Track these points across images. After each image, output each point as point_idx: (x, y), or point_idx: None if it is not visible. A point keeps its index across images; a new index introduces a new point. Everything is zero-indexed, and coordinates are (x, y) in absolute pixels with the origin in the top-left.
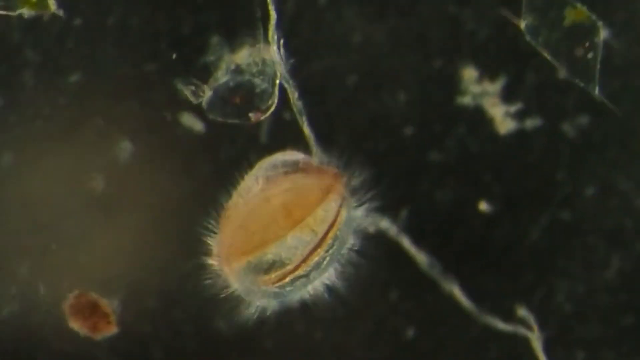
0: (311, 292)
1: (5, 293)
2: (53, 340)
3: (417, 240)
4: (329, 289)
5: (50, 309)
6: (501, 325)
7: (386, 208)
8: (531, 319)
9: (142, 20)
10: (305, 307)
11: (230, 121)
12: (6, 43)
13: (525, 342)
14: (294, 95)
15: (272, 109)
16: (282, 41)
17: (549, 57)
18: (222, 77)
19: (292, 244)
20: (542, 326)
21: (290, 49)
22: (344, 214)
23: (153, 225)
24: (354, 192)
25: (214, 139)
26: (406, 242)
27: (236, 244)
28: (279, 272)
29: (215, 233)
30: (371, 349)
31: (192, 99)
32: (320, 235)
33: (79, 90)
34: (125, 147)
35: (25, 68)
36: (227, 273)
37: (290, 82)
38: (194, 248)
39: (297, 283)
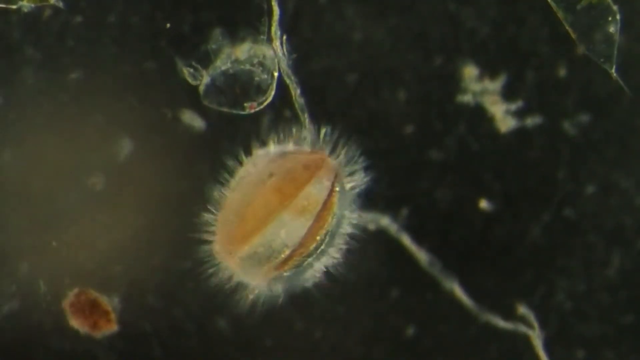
0: (314, 276)
1: (5, 291)
2: (53, 338)
3: (417, 239)
4: (331, 276)
5: (50, 307)
6: (501, 323)
7: (386, 206)
8: (531, 317)
9: (143, 18)
10: (305, 305)
11: (230, 115)
12: (6, 40)
13: (526, 340)
14: (296, 91)
15: (269, 100)
16: (284, 37)
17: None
18: (221, 65)
19: (288, 226)
20: (543, 324)
21: (290, 47)
22: (337, 194)
23: (153, 223)
24: (346, 172)
25: (214, 136)
26: (406, 240)
27: (233, 233)
28: (280, 258)
29: (212, 225)
30: (371, 347)
31: (190, 80)
32: (314, 215)
33: (79, 87)
34: (126, 145)
35: (25, 65)
36: (228, 263)
37: (293, 78)
38: (195, 246)
39: (300, 267)
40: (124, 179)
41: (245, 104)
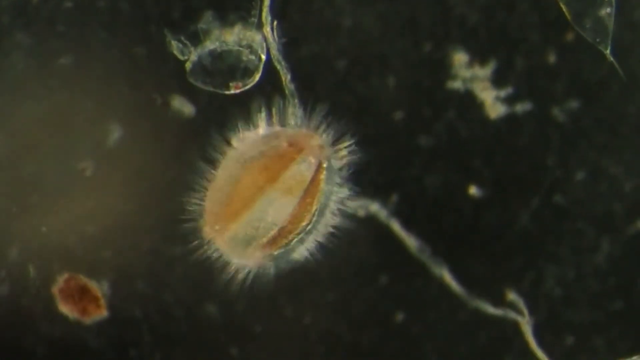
0: (304, 254)
1: None
2: (42, 323)
3: (407, 225)
4: (321, 261)
5: (40, 292)
6: (491, 309)
7: (376, 192)
8: (521, 303)
9: (132, 4)
10: (295, 290)
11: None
12: None
13: (515, 327)
14: (286, 77)
15: (255, 81)
16: (275, 23)
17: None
18: (210, 45)
19: (275, 204)
20: (532, 311)
21: (280, 33)
22: (324, 171)
23: (143, 208)
24: (333, 149)
25: (204, 122)
26: (396, 226)
27: (221, 212)
28: (268, 236)
29: (200, 206)
30: (361, 333)
31: (178, 54)
32: (301, 192)
33: (69, 72)
34: (115, 130)
35: (15, 50)
36: (217, 243)
37: (283, 63)
38: (184, 231)
39: (289, 246)
40: (113, 164)
41: (231, 84)
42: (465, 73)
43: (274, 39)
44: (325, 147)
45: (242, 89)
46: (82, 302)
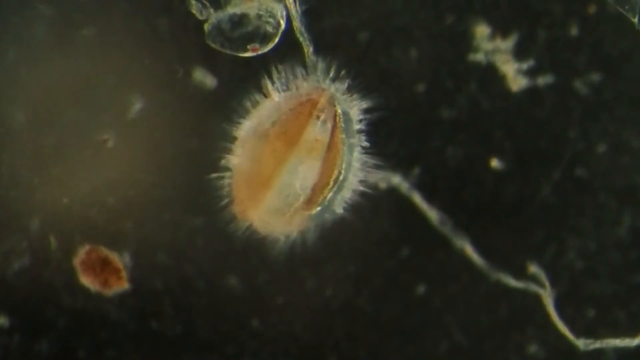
0: (341, 206)
1: (16, 247)
2: (64, 295)
3: (428, 197)
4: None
5: (61, 264)
6: (512, 282)
7: (397, 164)
8: (542, 276)
9: None
10: (316, 263)
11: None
12: None
13: (537, 299)
14: (309, 49)
15: (272, 44)
16: None
17: None
18: (230, 10)
19: (300, 168)
20: (553, 283)
21: (302, 5)
22: (340, 122)
23: (164, 180)
24: (346, 100)
25: (226, 94)
26: (417, 199)
27: (250, 192)
28: (301, 200)
29: (227, 187)
30: (381, 305)
31: (197, 14)
32: (323, 149)
33: (91, 44)
34: (137, 102)
35: (38, 21)
36: (252, 221)
37: (306, 35)
38: (205, 203)
39: (326, 201)
40: (135, 136)
41: (249, 46)
42: (487, 45)
43: (296, 10)
44: (337, 97)
45: (260, 52)
46: (104, 274)
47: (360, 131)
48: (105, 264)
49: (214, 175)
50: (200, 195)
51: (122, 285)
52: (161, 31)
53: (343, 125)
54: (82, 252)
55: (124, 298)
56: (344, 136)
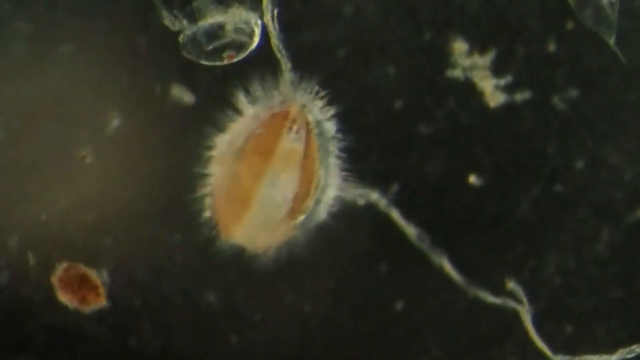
0: (326, 210)
1: None
2: (42, 312)
3: (407, 213)
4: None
5: (40, 280)
6: (490, 298)
7: (376, 180)
8: (521, 292)
9: None
10: (295, 279)
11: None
12: None
13: (515, 315)
14: (287, 66)
15: (247, 52)
16: (276, 11)
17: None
18: (205, 24)
19: (278, 181)
20: (532, 299)
21: (280, 21)
22: (313, 131)
23: (142, 196)
24: (315, 108)
25: (204, 110)
26: (396, 215)
27: (232, 206)
28: (285, 211)
29: (209, 207)
30: (360, 321)
31: (169, 25)
32: (299, 159)
33: (69, 61)
34: (115, 118)
35: (16, 38)
36: (237, 238)
37: (283, 52)
38: (183, 219)
39: (309, 209)
40: (113, 152)
41: (224, 54)
42: (465, 62)
43: (274, 27)
44: (308, 105)
45: (236, 59)
46: (82, 291)
47: (334, 137)
48: (83, 280)
49: (194, 194)
50: (179, 212)
51: (100, 302)
52: (139, 48)
53: (317, 131)
54: (60, 269)
55: (103, 315)
56: (319, 143)
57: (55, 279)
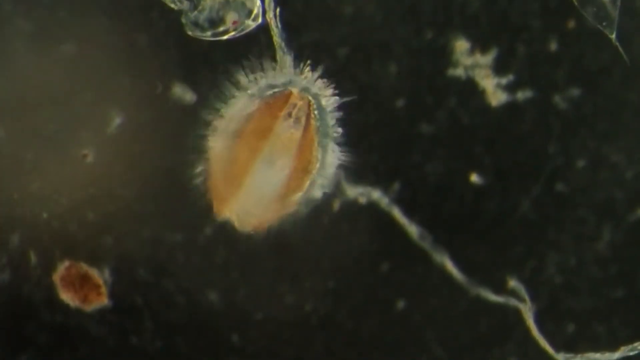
0: (322, 189)
1: None
2: (43, 311)
3: (408, 212)
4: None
5: (41, 279)
6: (492, 296)
7: (377, 180)
8: (522, 290)
9: None
10: (295, 278)
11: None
12: None
13: (516, 314)
14: (286, 50)
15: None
16: (278, 10)
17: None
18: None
19: (275, 157)
20: (533, 298)
21: (281, 21)
22: (313, 112)
23: (144, 195)
24: (316, 89)
25: (205, 109)
26: (397, 214)
27: (228, 184)
28: (281, 189)
29: (205, 186)
30: (361, 320)
31: (171, 5)
32: (296, 141)
33: (71, 59)
34: (116, 117)
35: (17, 37)
36: (233, 216)
37: (286, 50)
38: (185, 219)
39: (305, 187)
40: (114, 151)
41: (228, 22)
42: (467, 60)
43: (276, 26)
44: (308, 88)
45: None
46: (83, 290)
47: (333, 118)
48: (85, 279)
49: (194, 189)
50: (181, 211)
51: (101, 301)
52: (141, 47)
53: (316, 113)
54: (61, 268)
55: (104, 314)
56: (317, 123)
57: (56, 278)
